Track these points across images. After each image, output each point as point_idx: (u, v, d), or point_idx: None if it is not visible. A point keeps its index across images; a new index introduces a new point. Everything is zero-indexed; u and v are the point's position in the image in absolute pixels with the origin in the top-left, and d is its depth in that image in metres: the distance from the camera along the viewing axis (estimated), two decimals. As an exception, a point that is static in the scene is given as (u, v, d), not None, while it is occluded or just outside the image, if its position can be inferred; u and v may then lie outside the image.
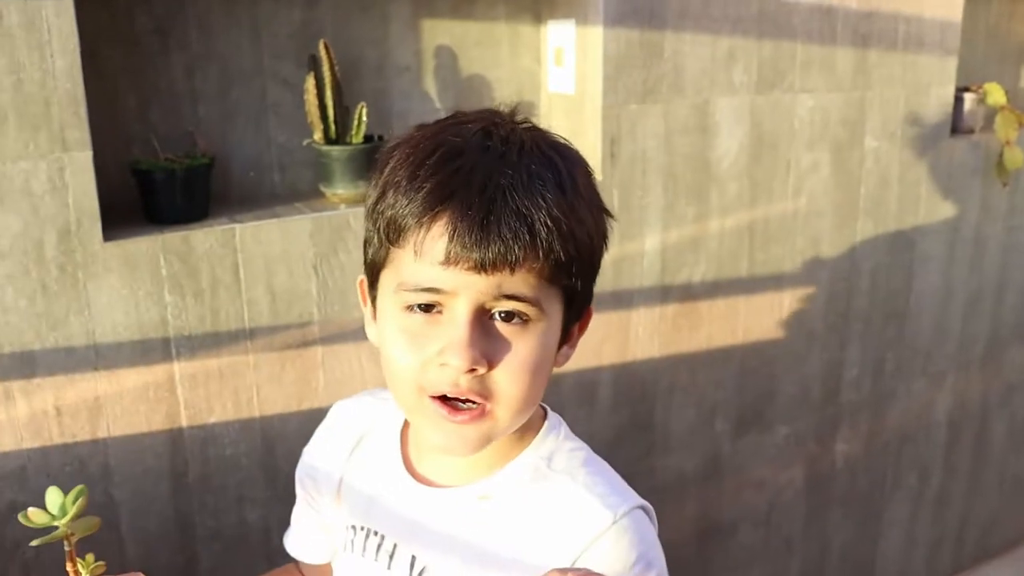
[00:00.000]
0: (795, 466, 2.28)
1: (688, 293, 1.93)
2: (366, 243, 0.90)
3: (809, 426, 2.27)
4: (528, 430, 0.94)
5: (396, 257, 0.85)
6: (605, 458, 0.98)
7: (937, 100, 2.23)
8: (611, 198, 1.75)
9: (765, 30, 1.88)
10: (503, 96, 1.80)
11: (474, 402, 0.84)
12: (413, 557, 0.94)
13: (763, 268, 2.03)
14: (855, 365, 2.31)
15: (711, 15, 1.80)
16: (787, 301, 2.10)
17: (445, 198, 0.80)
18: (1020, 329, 2.73)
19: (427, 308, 0.83)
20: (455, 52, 1.74)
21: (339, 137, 1.56)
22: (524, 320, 0.84)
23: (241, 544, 1.52)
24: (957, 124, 2.33)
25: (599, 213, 0.90)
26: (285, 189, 1.64)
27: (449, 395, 0.83)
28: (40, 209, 1.25)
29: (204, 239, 1.39)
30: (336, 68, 1.53)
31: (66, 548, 0.79)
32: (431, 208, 0.80)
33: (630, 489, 0.93)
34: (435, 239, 0.80)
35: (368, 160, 1.53)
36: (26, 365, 1.29)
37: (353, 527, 1.01)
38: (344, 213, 1.50)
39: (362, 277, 0.94)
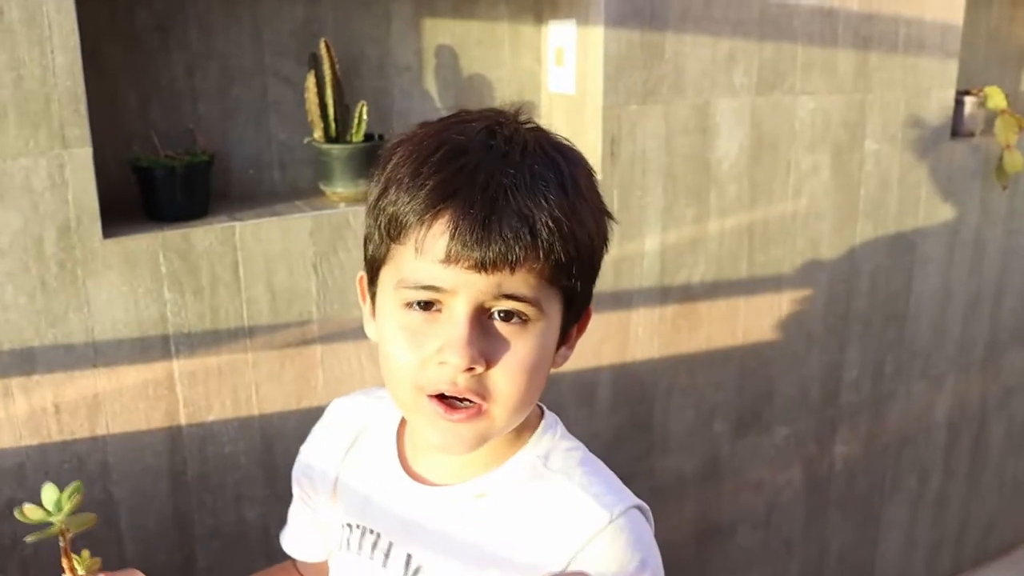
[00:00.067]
0: (794, 467, 2.28)
1: (688, 294, 1.93)
2: (366, 239, 0.90)
3: (808, 427, 2.27)
4: (525, 429, 0.94)
5: (397, 254, 0.85)
6: (604, 458, 0.98)
7: (937, 103, 2.23)
8: (611, 198, 1.75)
9: (766, 32, 1.88)
10: (504, 96, 1.80)
11: (471, 401, 0.84)
12: (409, 555, 0.94)
13: (763, 269, 2.03)
14: (854, 367, 2.31)
15: (712, 16, 1.80)
16: (786, 302, 2.10)
17: (447, 196, 0.80)
18: (1019, 332, 2.73)
19: (426, 306, 0.83)
20: (456, 51, 1.74)
21: (339, 135, 1.56)
22: (523, 320, 0.84)
23: (240, 542, 1.52)
24: (957, 127, 2.33)
25: (600, 215, 0.90)
26: (285, 187, 1.64)
27: (447, 394, 0.83)
28: (40, 206, 1.25)
29: (204, 237, 1.39)
30: (337, 66, 1.53)
31: (61, 544, 0.79)
32: (433, 206, 0.80)
33: (626, 489, 0.93)
34: (436, 237, 0.80)
35: (368, 159, 1.53)
36: (25, 362, 1.28)
37: (349, 525, 1.01)
38: (344, 212, 1.50)
39: (362, 274, 0.94)
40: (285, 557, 1.19)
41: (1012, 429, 2.87)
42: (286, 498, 1.16)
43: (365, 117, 1.55)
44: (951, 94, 2.26)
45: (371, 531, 0.98)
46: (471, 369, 0.81)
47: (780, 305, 2.09)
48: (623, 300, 1.83)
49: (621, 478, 0.95)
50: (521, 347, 0.84)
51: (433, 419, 0.85)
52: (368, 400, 1.08)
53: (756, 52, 1.88)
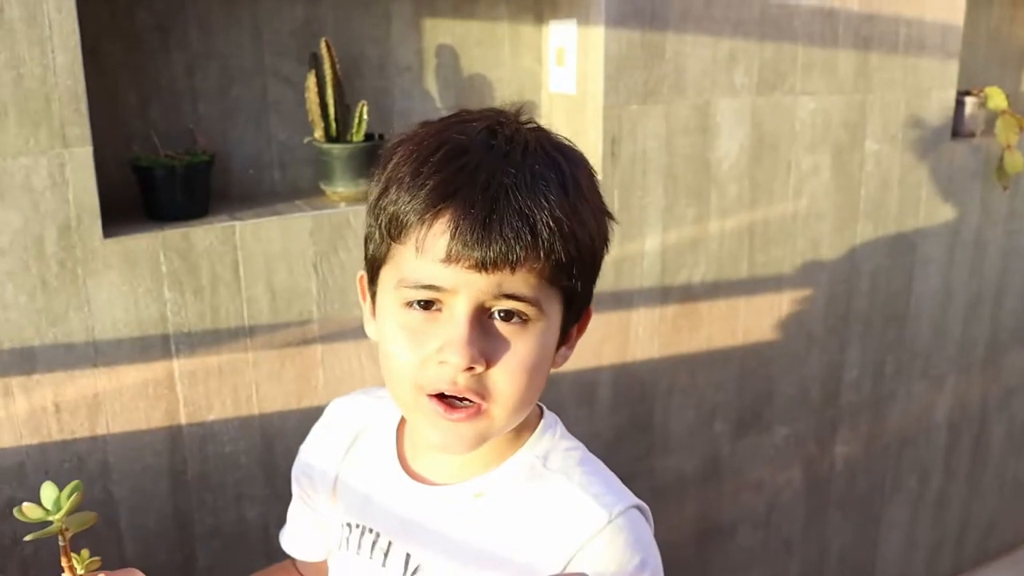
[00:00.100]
0: (794, 468, 2.28)
1: (688, 294, 1.93)
2: (367, 239, 0.90)
3: (809, 428, 2.27)
4: (524, 429, 0.94)
5: (397, 253, 0.85)
6: (604, 458, 0.98)
7: (938, 103, 2.23)
8: (611, 198, 1.75)
9: (766, 32, 1.88)
10: (504, 96, 1.80)
11: (471, 401, 0.84)
12: (408, 555, 0.94)
13: (763, 270, 2.03)
14: (855, 367, 2.31)
15: (713, 16, 1.80)
16: (787, 303, 2.10)
17: (448, 195, 0.80)
18: (1020, 333, 2.73)
19: (427, 305, 0.83)
20: (456, 51, 1.74)
21: (340, 135, 1.56)
22: (523, 320, 0.84)
23: (240, 542, 1.52)
24: (958, 128, 2.33)
25: (601, 215, 0.90)
26: (285, 187, 1.64)
27: (447, 393, 0.83)
28: (40, 205, 1.25)
29: (204, 236, 1.39)
30: (337, 66, 1.53)
31: (60, 543, 0.79)
32: (434, 205, 0.80)
33: (625, 489, 0.93)
34: (437, 236, 0.80)
35: (369, 159, 1.53)
36: (25, 361, 1.28)
37: (348, 525, 1.01)
38: (344, 211, 1.50)
39: (362, 273, 0.94)
40: (285, 556, 1.19)
41: (1013, 429, 2.87)
42: (286, 497, 1.16)
43: (366, 117, 1.55)
44: (952, 94, 2.26)
45: (370, 530, 0.98)
46: (471, 369, 0.81)
47: (780, 305, 2.09)
48: (623, 300, 1.83)
49: (621, 478, 0.95)
50: (521, 347, 0.84)
51: (433, 418, 0.85)
52: (368, 400, 1.08)
53: (757, 52, 1.88)
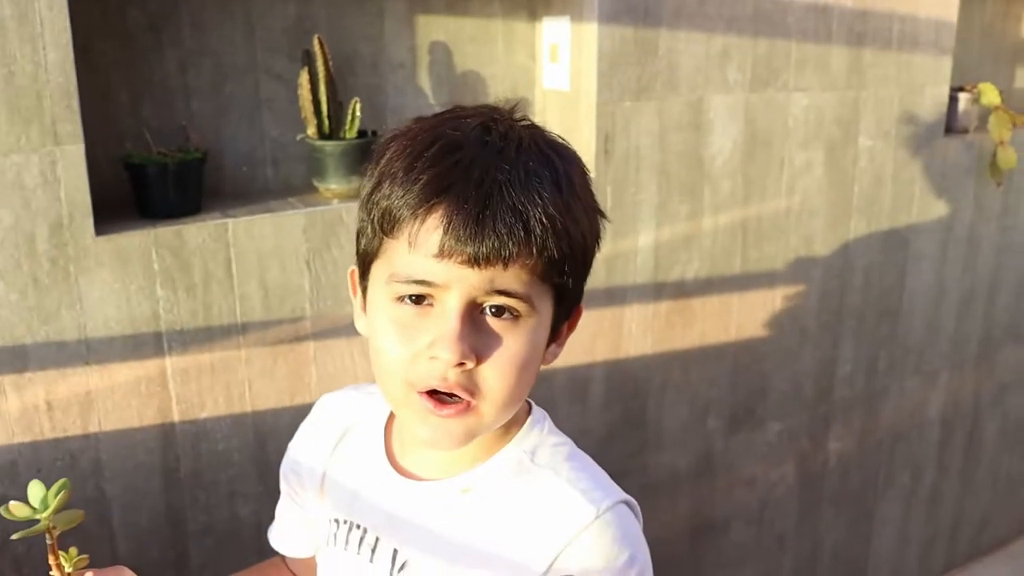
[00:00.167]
0: (788, 463, 2.29)
1: (681, 290, 1.93)
2: (359, 234, 0.90)
3: (802, 424, 2.27)
4: (512, 424, 0.94)
5: (389, 248, 0.84)
6: (597, 455, 0.97)
7: (931, 100, 2.24)
8: (605, 195, 1.75)
9: (760, 28, 1.88)
10: (498, 92, 1.80)
11: (460, 397, 0.84)
12: (395, 551, 0.94)
13: (756, 266, 2.03)
14: (848, 363, 2.31)
15: (706, 13, 1.80)
16: (780, 299, 2.10)
17: (441, 191, 0.80)
18: (1013, 329, 2.74)
19: (418, 300, 0.83)
20: (450, 48, 1.74)
21: (333, 132, 1.56)
22: (515, 316, 0.84)
23: (233, 539, 1.52)
24: (951, 124, 2.34)
25: (593, 213, 0.90)
26: (278, 184, 1.64)
27: (438, 389, 0.83)
28: (32, 203, 1.25)
29: (197, 233, 1.38)
30: (330, 63, 1.53)
31: (48, 541, 0.79)
32: (427, 200, 0.80)
33: (614, 484, 0.93)
34: (430, 231, 0.80)
35: (362, 155, 1.53)
36: (17, 359, 1.28)
37: (336, 521, 1.01)
38: (337, 208, 1.50)
39: (353, 268, 0.94)
40: (276, 553, 1.19)
41: (1006, 425, 2.88)
42: (279, 495, 1.16)
43: (358, 114, 1.55)
44: (945, 90, 2.26)
45: (358, 526, 0.98)
46: (461, 364, 0.81)
47: (774, 301, 2.10)
48: (617, 296, 1.83)
49: (614, 474, 0.95)
50: (512, 343, 0.84)
51: (423, 414, 0.85)
52: (359, 396, 1.08)
53: (750, 49, 1.88)
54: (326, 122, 1.55)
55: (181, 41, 1.51)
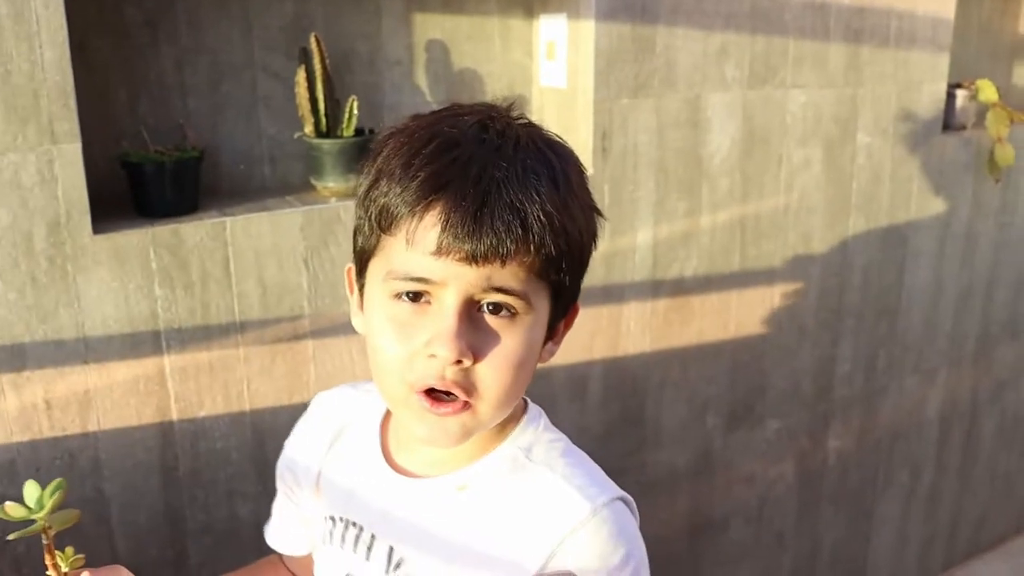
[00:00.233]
0: (787, 462, 2.29)
1: (679, 288, 1.93)
2: (356, 231, 0.90)
3: (801, 422, 2.27)
4: (508, 421, 0.94)
5: (387, 245, 0.84)
6: (595, 453, 0.97)
7: (929, 96, 2.24)
8: (602, 192, 1.75)
9: (757, 26, 1.88)
10: (495, 90, 1.80)
11: (457, 396, 0.83)
12: (391, 548, 0.94)
13: (755, 263, 2.03)
14: (847, 361, 2.31)
15: (703, 10, 1.80)
16: (779, 296, 2.10)
17: (439, 188, 0.80)
18: (1011, 326, 2.74)
19: (415, 297, 0.83)
20: (447, 46, 1.74)
21: (330, 130, 1.56)
22: (512, 313, 0.84)
23: (232, 538, 1.51)
24: (949, 120, 2.34)
25: (590, 211, 0.90)
26: (275, 182, 1.64)
27: (435, 387, 0.83)
28: (29, 202, 1.24)
29: (194, 232, 1.38)
30: (327, 61, 1.52)
31: (44, 541, 0.79)
32: (425, 197, 0.80)
33: (610, 481, 0.93)
34: (427, 229, 0.80)
35: (359, 153, 1.53)
36: (15, 358, 1.28)
37: (332, 519, 1.01)
38: (335, 206, 1.49)
39: (350, 265, 0.94)
40: (273, 551, 1.19)
41: (1004, 423, 2.88)
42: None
43: (356, 112, 1.55)
44: (943, 87, 2.26)
45: (354, 524, 0.98)
46: (459, 362, 0.81)
47: (772, 299, 2.10)
48: (615, 294, 1.83)
49: (613, 472, 0.95)
50: (509, 340, 0.84)
51: (420, 413, 0.85)
52: (356, 394, 1.08)
53: (747, 46, 1.88)
54: (323, 120, 1.55)
55: (178, 39, 1.50)
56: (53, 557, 0.80)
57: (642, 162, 1.79)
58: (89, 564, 0.85)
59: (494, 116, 0.86)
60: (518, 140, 0.84)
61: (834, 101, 2.05)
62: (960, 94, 2.33)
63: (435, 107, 1.45)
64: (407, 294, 0.83)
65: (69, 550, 0.82)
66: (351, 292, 0.95)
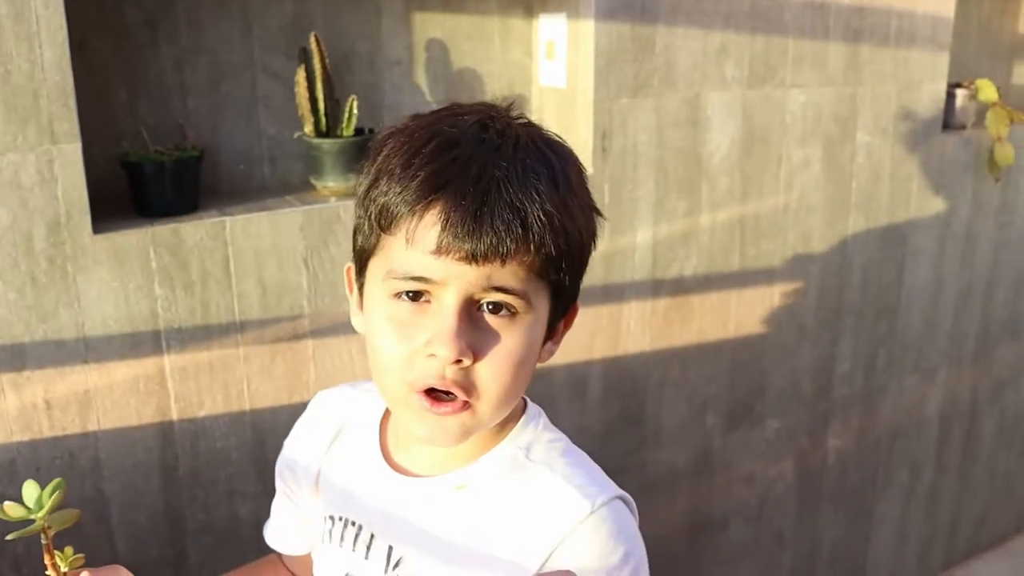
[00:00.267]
0: (786, 461, 2.29)
1: (679, 287, 1.93)
2: (355, 230, 0.90)
3: (800, 421, 2.27)
4: (508, 420, 0.94)
5: (386, 244, 0.84)
6: (595, 452, 0.97)
7: (929, 96, 2.24)
8: (602, 192, 1.75)
9: (757, 25, 1.88)
10: (494, 90, 1.80)
11: (456, 395, 0.84)
12: (390, 547, 0.94)
13: (754, 263, 2.03)
14: (846, 360, 2.31)
15: (703, 10, 1.80)
16: (778, 296, 2.11)
17: (439, 187, 0.80)
18: (1010, 325, 2.74)
19: (415, 297, 0.83)
20: (446, 46, 1.74)
21: (330, 130, 1.56)
22: (512, 313, 0.84)
23: (232, 538, 1.51)
24: (949, 120, 2.33)
25: (590, 211, 0.90)
26: (275, 182, 1.64)
27: (435, 387, 0.83)
28: (29, 201, 1.24)
29: (194, 232, 1.38)
30: (327, 61, 1.52)
31: (43, 541, 0.79)
32: (424, 196, 0.80)
33: (609, 480, 0.93)
34: (427, 228, 0.80)
35: (359, 153, 1.53)
36: (15, 358, 1.28)
37: (331, 518, 1.01)
38: (334, 206, 1.49)
39: (349, 265, 0.94)
40: (273, 551, 1.19)
41: (1003, 422, 2.88)
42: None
43: (355, 111, 1.55)
44: (942, 87, 2.26)
45: (353, 523, 0.98)
46: (459, 362, 0.81)
47: (772, 298, 2.10)
48: (615, 294, 1.83)
49: (612, 472, 0.95)
50: (509, 340, 0.84)
51: (420, 413, 0.85)
52: (355, 393, 1.08)
53: (747, 45, 1.88)
54: (323, 120, 1.55)
55: (178, 39, 1.50)
56: (52, 557, 0.80)
57: (642, 161, 1.79)
58: (89, 564, 0.85)
59: (494, 116, 0.86)
60: (518, 140, 0.84)
61: (834, 100, 2.06)
62: (960, 93, 2.33)
63: (435, 107, 1.45)
64: (407, 293, 0.83)
65: (68, 550, 0.82)
66: (350, 292, 0.95)
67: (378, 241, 0.86)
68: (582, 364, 1.83)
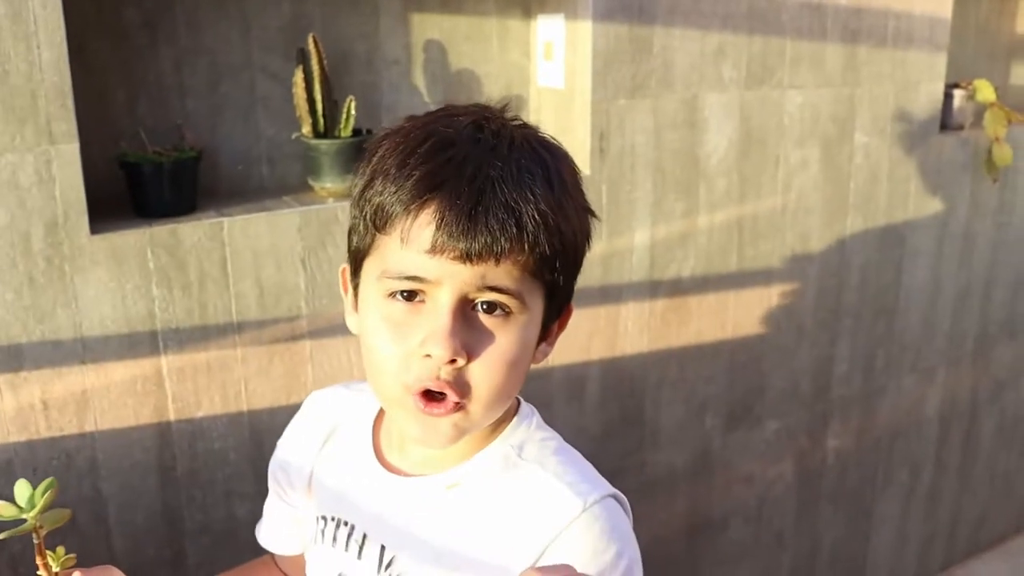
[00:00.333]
0: (785, 461, 2.29)
1: (677, 288, 1.93)
2: (351, 231, 0.90)
3: (799, 421, 2.27)
4: (501, 420, 0.94)
5: (381, 244, 0.85)
6: (594, 453, 0.97)
7: (927, 96, 2.24)
8: (600, 193, 1.75)
9: (755, 26, 1.88)
10: (492, 90, 1.80)
11: (450, 396, 0.84)
12: (382, 547, 0.94)
13: (752, 264, 2.03)
14: (845, 361, 2.31)
15: (701, 11, 1.80)
16: (776, 296, 2.11)
17: (434, 187, 0.80)
18: (1009, 325, 2.74)
19: (410, 296, 0.83)
20: (444, 46, 1.74)
21: (328, 131, 1.56)
22: (506, 312, 0.84)
23: (229, 538, 1.52)
24: (946, 120, 2.34)
25: (584, 212, 0.90)
26: (273, 183, 1.64)
27: (430, 388, 0.83)
28: (27, 202, 1.25)
29: (192, 232, 1.38)
30: (325, 62, 1.53)
31: (35, 541, 0.79)
32: (419, 196, 0.80)
33: (602, 478, 0.93)
34: (422, 227, 0.80)
35: (357, 154, 1.53)
36: (13, 358, 1.28)
37: (324, 518, 1.01)
38: (332, 207, 1.50)
39: (345, 265, 0.94)
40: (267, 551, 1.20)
41: (1003, 422, 2.88)
42: (273, 493, 1.16)
43: (353, 112, 1.55)
44: (940, 87, 2.27)
45: (345, 523, 0.98)
46: (453, 361, 0.81)
47: (770, 299, 2.10)
48: (612, 295, 1.83)
49: (611, 473, 0.95)
50: (503, 339, 0.84)
51: (414, 413, 0.85)
52: (348, 393, 1.08)
53: (745, 46, 1.88)
54: (321, 121, 1.55)
55: (176, 40, 1.51)
56: (44, 557, 0.80)
57: (639, 163, 1.79)
58: (87, 564, 0.85)
59: (489, 117, 0.87)
60: (513, 140, 0.84)
61: (831, 101, 2.06)
62: (958, 94, 2.33)
63: (432, 107, 1.45)
64: (401, 293, 0.83)
65: (60, 550, 0.82)
66: (345, 292, 0.95)
67: (373, 241, 0.86)
68: (580, 365, 1.83)
